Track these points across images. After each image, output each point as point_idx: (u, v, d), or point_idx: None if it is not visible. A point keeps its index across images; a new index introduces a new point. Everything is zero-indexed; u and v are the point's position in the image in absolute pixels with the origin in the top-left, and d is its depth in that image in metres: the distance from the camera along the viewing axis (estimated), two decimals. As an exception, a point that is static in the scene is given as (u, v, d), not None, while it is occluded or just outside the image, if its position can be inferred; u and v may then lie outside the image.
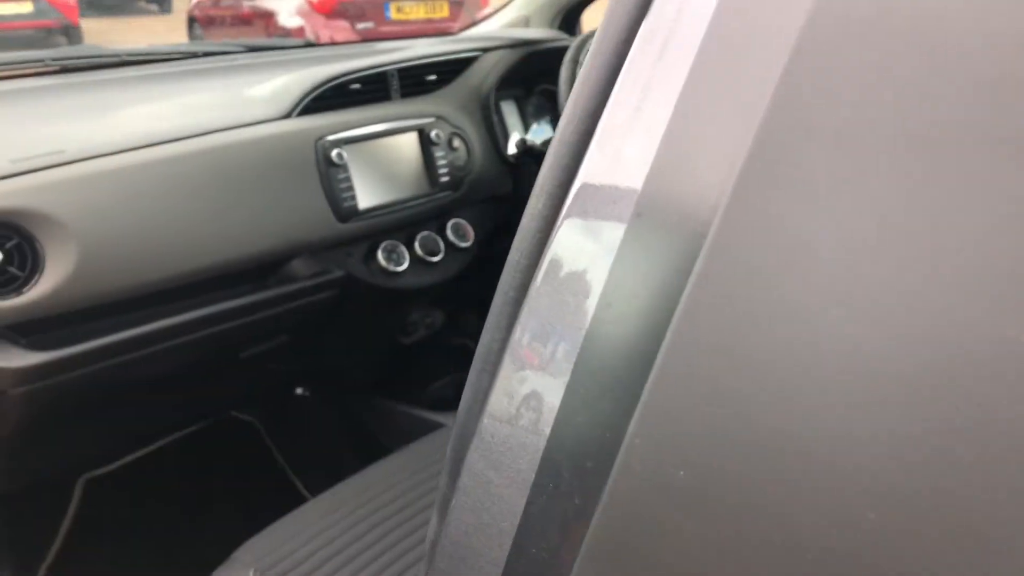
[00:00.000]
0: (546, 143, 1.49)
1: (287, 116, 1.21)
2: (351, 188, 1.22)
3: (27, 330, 0.97)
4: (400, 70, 1.38)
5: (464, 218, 1.41)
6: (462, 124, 1.41)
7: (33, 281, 0.94)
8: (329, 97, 1.27)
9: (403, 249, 1.30)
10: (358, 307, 1.31)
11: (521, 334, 0.38)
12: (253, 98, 1.25)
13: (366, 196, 1.24)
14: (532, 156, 1.46)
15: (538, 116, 1.68)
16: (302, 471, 1.63)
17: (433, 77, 1.44)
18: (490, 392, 0.40)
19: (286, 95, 1.23)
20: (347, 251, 1.26)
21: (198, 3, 6.60)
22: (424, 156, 1.34)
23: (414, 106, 1.37)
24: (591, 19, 1.94)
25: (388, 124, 1.30)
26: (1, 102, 1.18)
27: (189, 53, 1.53)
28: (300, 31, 5.35)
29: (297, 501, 1.61)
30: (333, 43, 1.75)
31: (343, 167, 1.21)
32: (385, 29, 5.44)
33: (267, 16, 5.66)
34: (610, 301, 0.34)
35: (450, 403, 1.54)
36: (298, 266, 1.20)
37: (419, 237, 1.33)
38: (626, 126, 0.35)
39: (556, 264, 0.36)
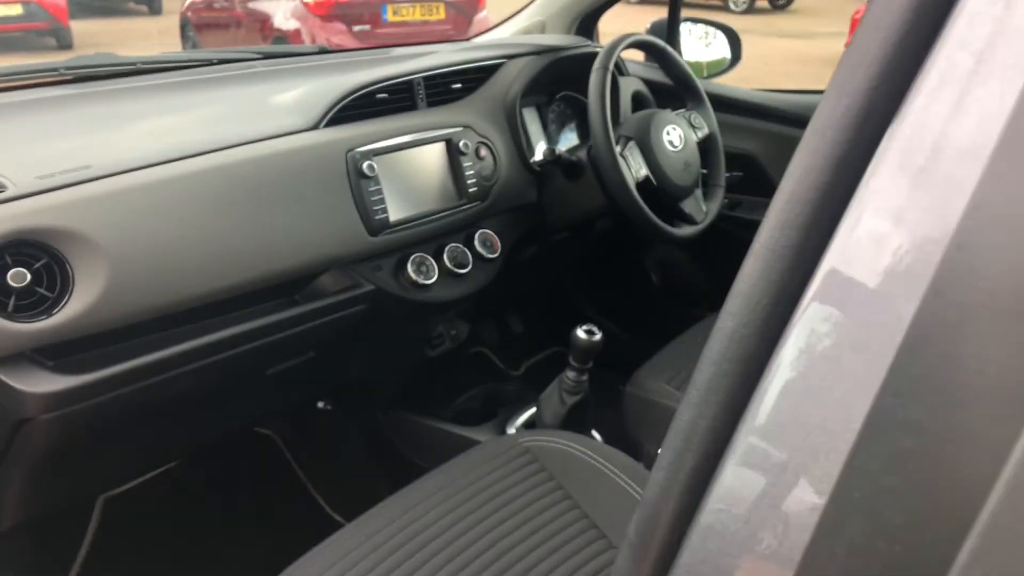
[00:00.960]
0: (572, 151, 1.46)
1: (315, 127, 1.18)
2: (382, 201, 1.19)
3: (54, 353, 0.93)
4: (426, 78, 1.35)
5: (490, 228, 1.38)
6: (488, 133, 1.38)
7: (63, 302, 0.90)
8: (355, 107, 1.24)
9: (432, 261, 1.27)
10: (387, 321, 1.28)
11: (752, 424, 0.32)
12: (279, 108, 1.22)
13: (396, 208, 1.21)
14: (559, 165, 1.43)
15: (559, 123, 1.66)
16: (323, 486, 1.59)
17: (458, 85, 1.41)
18: (710, 482, 0.35)
19: (314, 105, 1.20)
20: (376, 264, 1.22)
21: (190, 4, 6.53)
22: (452, 166, 1.31)
23: (441, 115, 1.34)
24: (607, 27, 1.91)
25: (417, 134, 1.27)
26: (19, 114, 1.15)
27: (204, 60, 1.49)
28: (296, 34, 5.30)
29: (319, 516, 1.58)
30: (347, 49, 1.72)
31: (374, 179, 1.18)
32: (382, 31, 5.40)
33: (262, 18, 5.61)
34: (898, 390, 0.27)
35: (476, 416, 1.51)
36: (327, 280, 1.17)
37: (447, 249, 1.30)
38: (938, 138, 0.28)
39: (809, 339, 0.29)
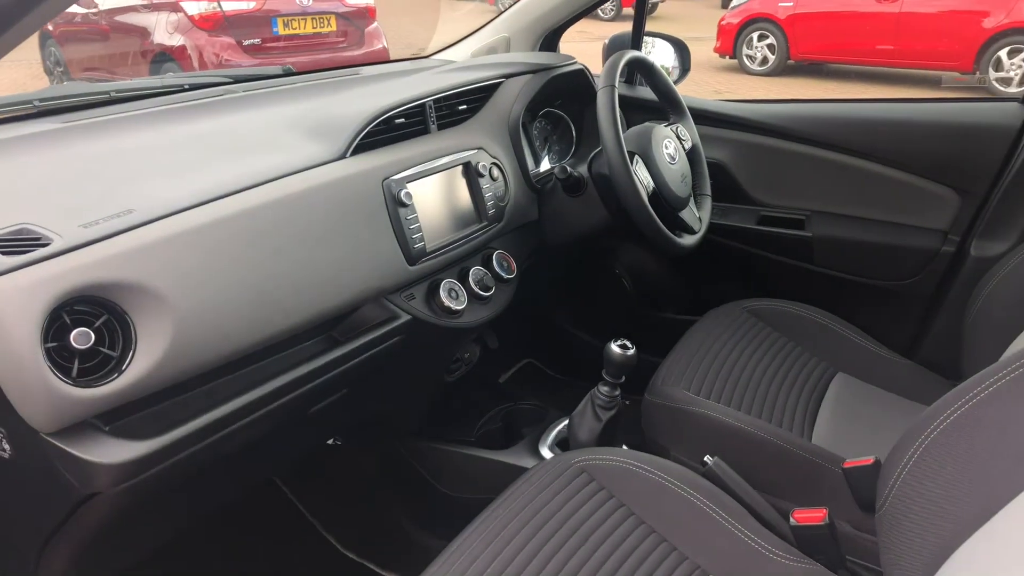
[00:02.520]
0: (573, 167, 1.48)
1: (343, 156, 1.13)
2: (419, 229, 1.16)
3: (110, 417, 0.85)
4: (435, 101, 1.32)
5: (503, 248, 1.38)
6: (497, 153, 1.38)
7: (127, 361, 0.83)
8: (376, 133, 1.20)
9: (459, 286, 1.25)
10: (419, 350, 1.25)
11: None
12: (299, 137, 1.16)
13: (431, 235, 1.19)
14: (563, 181, 1.44)
15: (542, 140, 1.67)
16: (334, 525, 1.52)
17: (464, 107, 1.39)
18: None
19: (338, 133, 1.15)
20: (409, 293, 1.19)
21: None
22: (471, 189, 1.29)
23: (454, 138, 1.32)
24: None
25: (441, 159, 1.25)
26: (15, 152, 1.03)
27: (176, 87, 1.40)
28: (181, 50, 5.01)
29: (330, 555, 1.51)
30: (313, 71, 1.66)
31: (411, 207, 1.15)
32: (272, 45, 5.20)
33: (140, 33, 5.26)
34: None
35: (500, 438, 1.49)
36: (367, 313, 1.13)
37: (471, 272, 1.28)
38: None
39: None
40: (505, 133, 1.42)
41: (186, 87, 1.40)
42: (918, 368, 1.51)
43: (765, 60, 8.54)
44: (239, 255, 0.93)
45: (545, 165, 1.65)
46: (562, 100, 1.70)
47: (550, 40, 1.88)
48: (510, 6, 1.87)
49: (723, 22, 8.88)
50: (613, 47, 1.93)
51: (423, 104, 1.29)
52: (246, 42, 5.04)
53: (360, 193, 1.10)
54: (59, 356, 0.77)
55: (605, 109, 1.33)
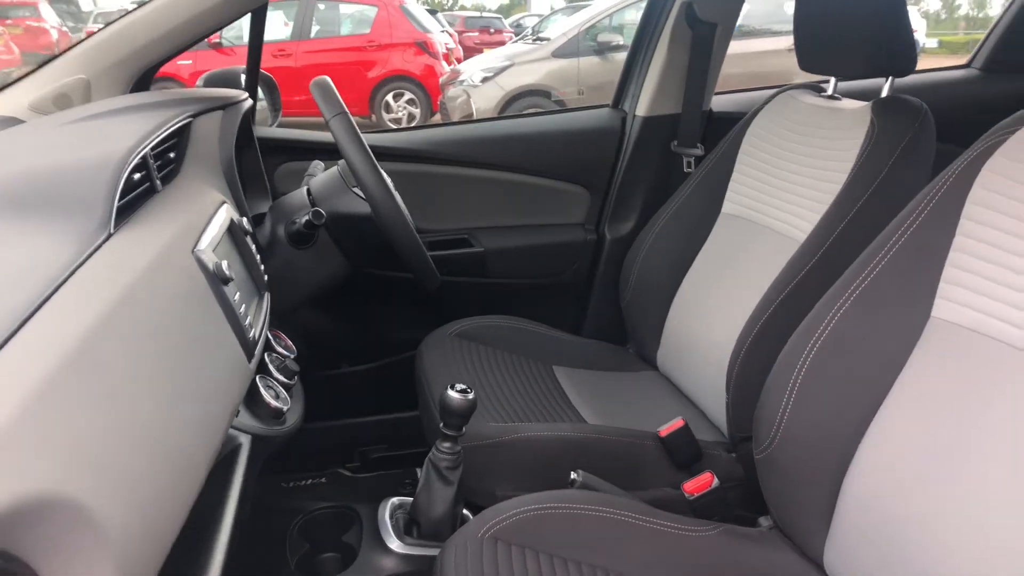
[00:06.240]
0: (299, 216, 1.24)
1: (110, 229, 0.73)
2: (246, 310, 0.83)
3: None
4: (152, 149, 0.95)
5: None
6: (229, 200, 1.07)
7: None
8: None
9: (270, 380, 0.95)
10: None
11: None
12: (39, 214, 0.71)
13: (249, 314, 0.86)
14: (294, 235, 1.20)
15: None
16: None
17: (172, 154, 1.03)
18: None
19: (92, 196, 0.74)
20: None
21: None
22: (241, 252, 0.97)
23: (190, 193, 0.97)
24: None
25: (208, 218, 0.90)
26: None
27: None
28: None
29: None
30: None
31: (235, 282, 0.81)
32: None
33: None
34: None
35: (328, 563, 1.15)
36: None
37: (266, 358, 0.98)
38: None
39: None
40: (222, 180, 1.11)
41: None
42: (600, 343, 1.72)
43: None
44: (110, 408, 0.54)
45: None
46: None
47: (145, 80, 1.51)
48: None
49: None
50: (211, 83, 1.66)
51: (145, 156, 0.92)
52: None
53: (178, 277, 0.73)
54: None
55: (350, 137, 1.15)
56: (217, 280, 0.78)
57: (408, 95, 8.44)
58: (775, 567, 1.03)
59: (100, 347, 0.54)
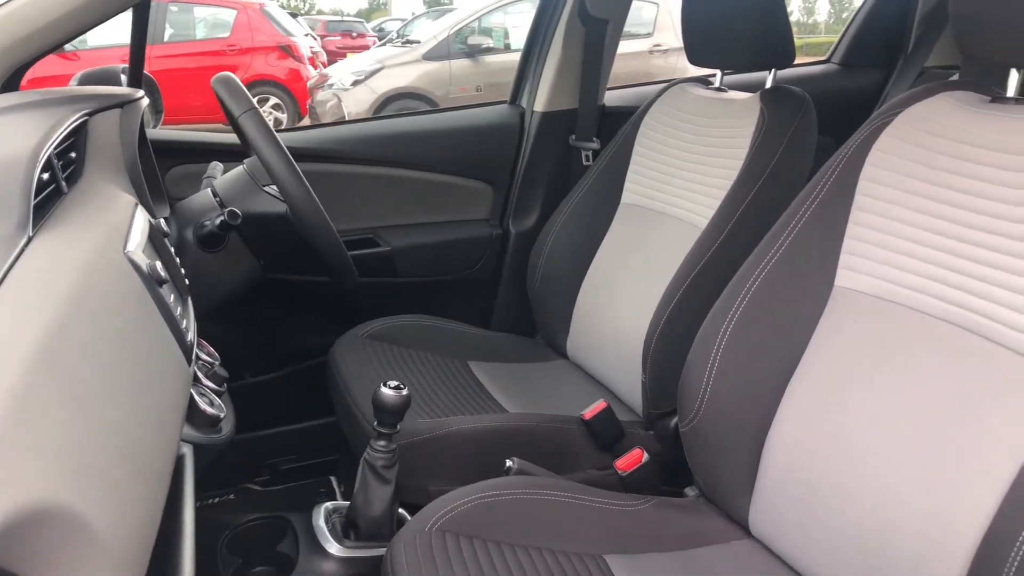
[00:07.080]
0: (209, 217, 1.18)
1: (29, 232, 0.68)
2: (185, 315, 0.79)
3: None
4: (54, 148, 0.88)
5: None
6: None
7: None
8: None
9: (202, 387, 0.90)
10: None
11: None
12: None
13: (185, 317, 0.82)
14: (204, 237, 1.15)
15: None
16: None
17: (73, 153, 0.95)
18: None
19: (5, 197, 0.68)
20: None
21: None
22: (163, 256, 0.92)
23: (100, 194, 0.90)
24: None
25: (129, 220, 0.85)
26: None
27: None
28: None
29: None
30: None
31: (169, 283, 0.77)
32: None
33: None
34: None
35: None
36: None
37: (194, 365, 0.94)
38: None
39: None
40: (126, 181, 1.04)
41: None
42: (510, 336, 1.75)
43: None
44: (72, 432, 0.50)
45: None
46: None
47: (14, 80, 1.39)
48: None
49: None
50: (88, 82, 1.55)
51: (49, 157, 0.85)
52: None
53: (115, 279, 0.69)
54: None
55: (264, 135, 1.11)
56: (152, 282, 0.74)
57: (273, 100, 8.17)
58: (707, 531, 1.09)
59: (60, 350, 0.51)
